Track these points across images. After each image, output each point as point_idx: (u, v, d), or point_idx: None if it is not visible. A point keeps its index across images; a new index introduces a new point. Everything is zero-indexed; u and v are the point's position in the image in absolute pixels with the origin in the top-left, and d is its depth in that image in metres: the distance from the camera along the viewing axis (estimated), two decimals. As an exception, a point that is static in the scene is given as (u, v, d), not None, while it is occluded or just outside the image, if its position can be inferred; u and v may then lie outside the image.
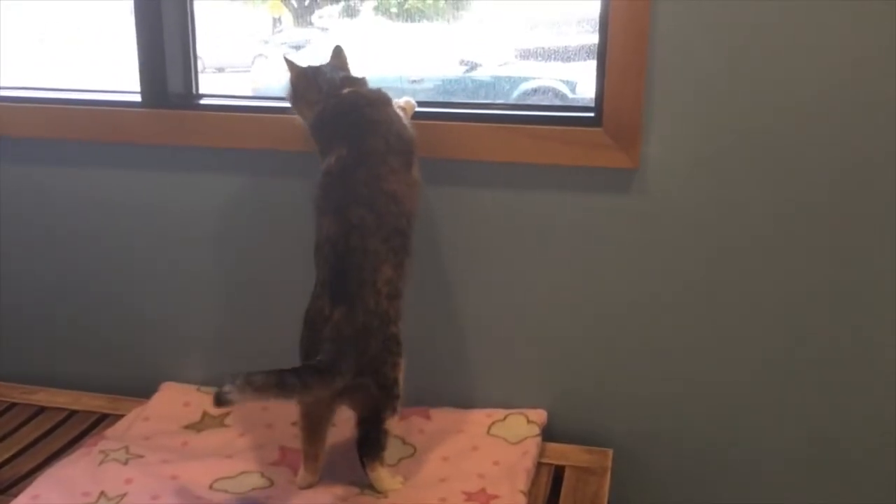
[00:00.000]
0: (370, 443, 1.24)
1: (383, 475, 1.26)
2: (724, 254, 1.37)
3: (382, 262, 1.21)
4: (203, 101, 1.59)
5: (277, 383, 1.10)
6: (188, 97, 1.59)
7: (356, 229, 1.20)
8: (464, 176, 1.42)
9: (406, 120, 1.33)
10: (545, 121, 1.40)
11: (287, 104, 1.38)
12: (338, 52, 1.40)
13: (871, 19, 1.23)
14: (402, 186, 1.25)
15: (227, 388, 1.05)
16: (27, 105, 1.59)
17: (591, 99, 1.39)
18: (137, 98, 1.55)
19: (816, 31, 1.25)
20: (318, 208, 1.25)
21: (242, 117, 1.50)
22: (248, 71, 3.29)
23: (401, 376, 1.24)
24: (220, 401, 1.06)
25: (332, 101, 1.31)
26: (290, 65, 1.37)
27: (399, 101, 1.36)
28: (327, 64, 1.38)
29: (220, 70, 3.14)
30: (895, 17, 1.21)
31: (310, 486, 1.28)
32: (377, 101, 1.31)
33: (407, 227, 1.25)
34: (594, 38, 1.37)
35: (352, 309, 1.18)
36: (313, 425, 1.27)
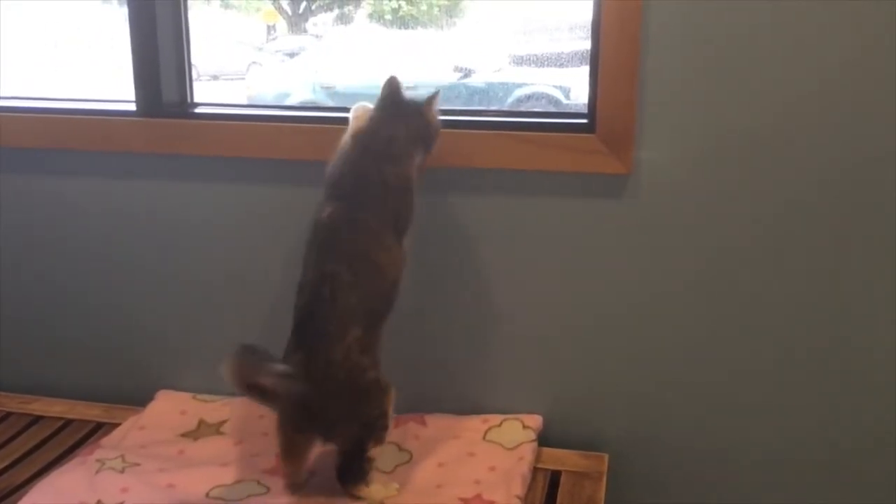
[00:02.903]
0: (352, 472, 1.22)
1: (373, 490, 1.24)
2: (718, 258, 1.38)
3: (353, 321, 1.18)
4: (198, 110, 1.59)
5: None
6: (183, 106, 1.59)
7: (330, 280, 1.18)
8: (458, 183, 1.43)
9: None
10: (538, 127, 1.41)
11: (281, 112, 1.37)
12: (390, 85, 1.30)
13: (865, 20, 1.23)
14: (390, 258, 1.23)
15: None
16: (21, 115, 1.59)
17: (585, 105, 1.39)
18: (132, 107, 1.55)
19: (809, 34, 1.26)
20: (306, 251, 1.24)
21: (237, 126, 1.50)
22: (243, 78, 3.30)
23: (389, 408, 1.22)
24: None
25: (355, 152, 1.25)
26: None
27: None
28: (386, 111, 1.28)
29: (215, 78, 3.15)
30: (891, 17, 1.22)
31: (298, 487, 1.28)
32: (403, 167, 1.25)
33: (390, 292, 1.23)
34: (587, 44, 1.37)
35: (310, 358, 1.17)
36: (297, 453, 1.25)
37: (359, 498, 1.24)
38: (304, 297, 1.21)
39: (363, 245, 1.21)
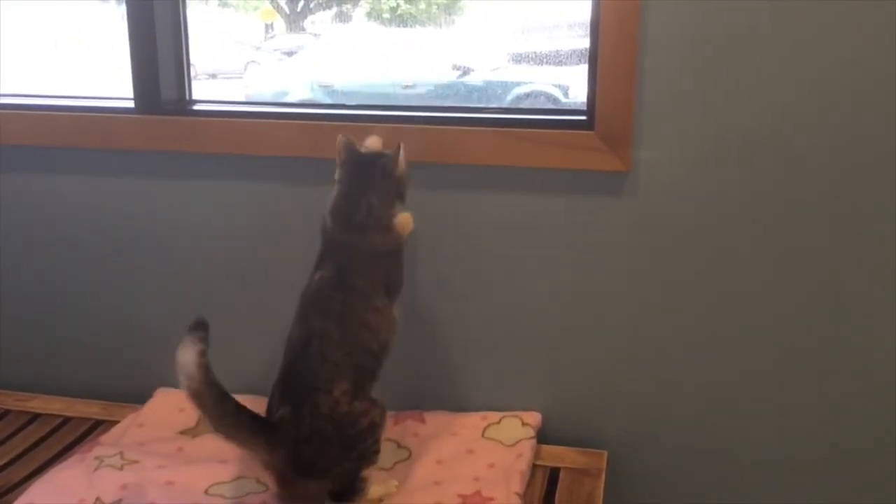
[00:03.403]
0: (346, 494, 1.20)
1: (372, 489, 1.24)
2: (717, 256, 1.38)
3: (341, 375, 1.17)
4: (196, 108, 1.59)
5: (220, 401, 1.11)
6: (181, 103, 1.59)
7: (317, 337, 1.18)
8: (456, 180, 1.43)
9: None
10: (537, 124, 1.41)
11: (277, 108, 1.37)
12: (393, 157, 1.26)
13: (865, 20, 1.23)
14: (380, 319, 1.22)
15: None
16: (20, 112, 1.59)
17: (583, 102, 1.39)
18: (131, 104, 1.55)
19: (808, 34, 1.26)
20: (296, 313, 1.23)
21: (236, 123, 1.50)
22: (241, 77, 3.30)
23: (381, 434, 1.21)
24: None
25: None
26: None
27: (398, 218, 1.27)
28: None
29: (213, 76, 3.14)
30: (891, 17, 1.22)
31: None
32: (388, 230, 1.25)
33: (379, 351, 1.22)
34: (586, 43, 1.37)
35: (297, 412, 1.16)
36: (289, 487, 1.22)
37: None
38: (290, 353, 1.21)
39: (353, 305, 1.21)
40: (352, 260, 1.23)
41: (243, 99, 3.15)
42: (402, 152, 1.25)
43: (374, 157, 1.27)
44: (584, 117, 1.38)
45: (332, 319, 1.19)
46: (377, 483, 1.25)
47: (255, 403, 1.24)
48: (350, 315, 1.20)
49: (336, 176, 1.26)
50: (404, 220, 1.28)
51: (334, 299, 1.20)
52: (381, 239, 1.24)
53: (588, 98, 1.38)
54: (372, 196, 1.24)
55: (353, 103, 1.52)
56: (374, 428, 1.20)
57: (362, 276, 1.22)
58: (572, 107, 1.54)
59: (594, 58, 1.34)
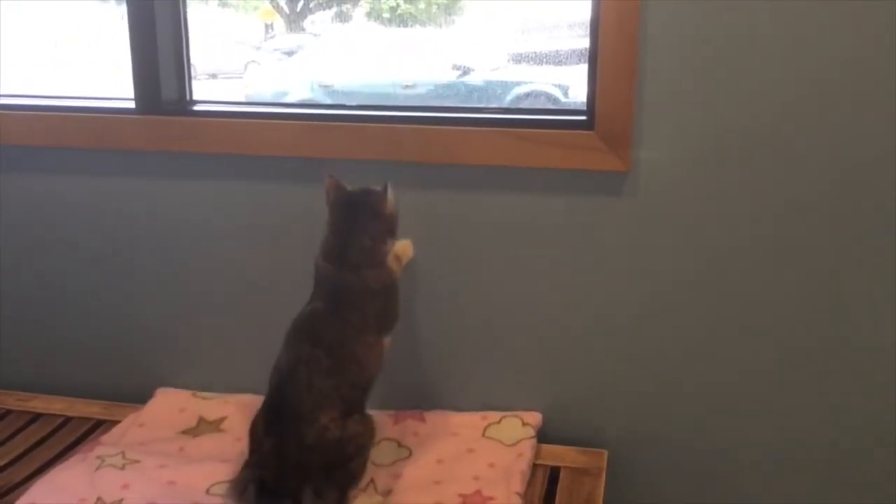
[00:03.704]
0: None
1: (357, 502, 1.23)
2: (717, 256, 1.38)
3: (328, 404, 1.17)
4: (197, 108, 1.59)
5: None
6: (182, 103, 1.59)
7: (305, 365, 1.18)
8: (456, 180, 1.43)
9: (398, 267, 1.30)
10: (537, 124, 1.41)
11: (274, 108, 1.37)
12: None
13: (865, 21, 1.23)
14: (370, 354, 1.23)
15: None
16: (20, 112, 1.60)
17: (583, 102, 1.40)
18: (131, 105, 1.55)
19: (808, 34, 1.26)
20: (285, 339, 1.23)
21: (236, 123, 1.50)
22: (241, 77, 3.30)
23: (368, 455, 1.22)
24: None
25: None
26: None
27: (396, 248, 1.29)
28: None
29: (213, 76, 3.14)
30: (891, 17, 1.22)
31: None
32: (381, 266, 1.26)
33: (365, 385, 1.23)
34: (586, 42, 1.37)
35: (283, 442, 1.16)
36: None
37: (363, 488, 1.25)
38: (276, 377, 1.21)
39: (344, 337, 1.21)
40: (346, 295, 1.24)
41: (243, 99, 3.15)
42: (390, 190, 1.27)
43: (363, 196, 1.28)
44: (583, 117, 1.38)
45: (323, 348, 1.19)
46: (363, 496, 1.24)
47: (255, 402, 1.25)
48: (341, 346, 1.20)
49: (327, 218, 1.28)
50: (403, 248, 1.31)
51: (326, 329, 1.21)
52: (374, 276, 1.25)
53: (588, 98, 1.38)
54: (363, 236, 1.25)
55: (353, 103, 1.53)
56: (362, 450, 1.20)
57: (356, 310, 1.23)
58: (572, 107, 1.54)
59: (594, 58, 1.34)
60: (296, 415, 1.16)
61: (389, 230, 1.29)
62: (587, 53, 1.37)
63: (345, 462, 1.18)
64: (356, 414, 1.21)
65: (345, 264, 1.24)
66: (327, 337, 1.20)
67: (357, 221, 1.27)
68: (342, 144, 1.44)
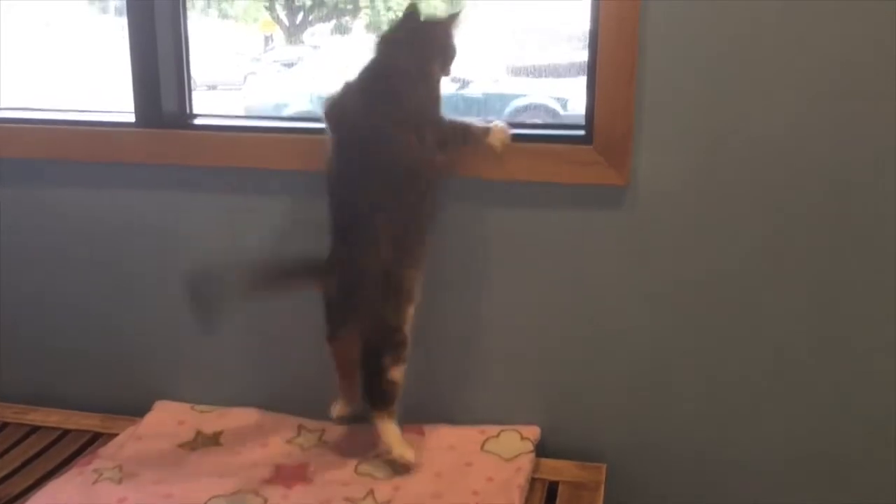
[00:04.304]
0: (375, 392, 1.31)
1: (391, 431, 1.33)
2: (715, 269, 1.38)
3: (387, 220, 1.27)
4: (197, 121, 1.60)
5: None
6: (182, 117, 1.59)
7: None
8: (455, 194, 1.43)
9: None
10: (536, 139, 1.41)
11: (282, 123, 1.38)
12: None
13: (866, 29, 1.24)
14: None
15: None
16: (21, 126, 1.60)
17: (582, 116, 1.40)
18: (131, 118, 1.56)
19: (807, 49, 1.27)
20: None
21: (237, 137, 1.51)
22: (240, 88, 3.31)
23: (405, 324, 1.31)
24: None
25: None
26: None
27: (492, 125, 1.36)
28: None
29: (213, 87, 3.15)
30: (890, 20, 1.23)
31: (342, 418, 1.40)
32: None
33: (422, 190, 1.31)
34: (584, 55, 1.38)
35: (348, 252, 1.27)
36: (342, 362, 1.36)
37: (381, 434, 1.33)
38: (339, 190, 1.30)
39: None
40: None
41: (243, 110, 3.16)
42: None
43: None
44: (582, 132, 1.39)
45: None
46: (407, 446, 1.34)
47: (253, 416, 1.24)
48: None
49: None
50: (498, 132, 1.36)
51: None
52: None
53: (586, 112, 1.38)
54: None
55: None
56: (398, 295, 1.29)
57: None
58: (571, 121, 1.55)
59: (592, 72, 1.35)
60: (358, 232, 1.29)
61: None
62: (586, 66, 1.37)
63: (381, 287, 1.28)
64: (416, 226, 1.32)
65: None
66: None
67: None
68: (341, 158, 1.44)
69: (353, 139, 1.30)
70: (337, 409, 1.41)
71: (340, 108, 1.32)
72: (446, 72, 1.36)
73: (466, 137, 1.35)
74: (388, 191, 1.27)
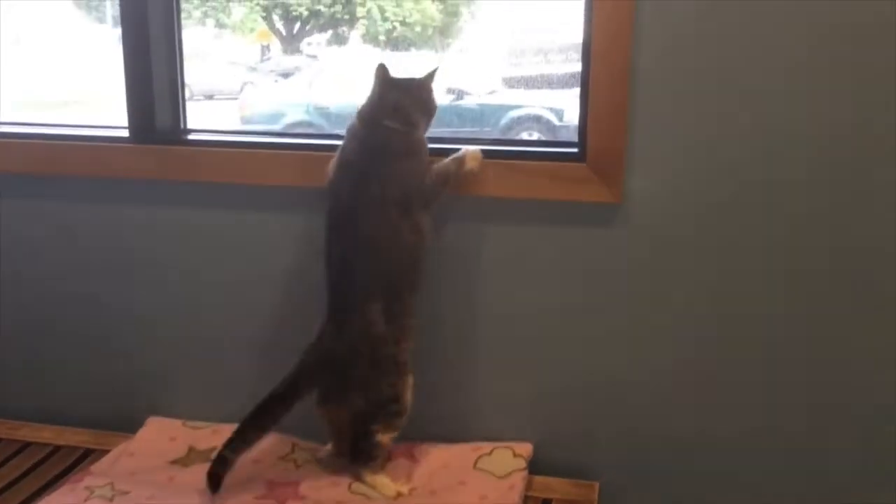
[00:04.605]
0: (359, 451, 1.35)
1: (378, 482, 1.35)
2: (708, 286, 1.38)
3: (373, 296, 1.29)
4: (191, 137, 1.59)
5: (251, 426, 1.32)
6: (176, 132, 1.59)
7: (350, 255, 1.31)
8: (448, 211, 1.43)
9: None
10: (529, 156, 1.42)
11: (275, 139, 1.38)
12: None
13: (863, 39, 1.24)
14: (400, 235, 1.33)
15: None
16: (15, 140, 1.60)
17: (575, 129, 1.40)
18: (125, 133, 1.56)
19: (799, 69, 1.27)
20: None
21: (231, 153, 1.51)
22: (237, 98, 3.31)
23: (405, 395, 1.34)
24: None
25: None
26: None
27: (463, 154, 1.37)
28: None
29: (209, 97, 3.15)
30: (889, 23, 1.23)
31: (324, 461, 1.43)
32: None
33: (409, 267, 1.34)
34: (579, 67, 1.38)
35: (339, 328, 1.31)
36: (334, 426, 1.40)
37: (367, 484, 1.36)
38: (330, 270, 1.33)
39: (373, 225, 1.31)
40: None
41: (239, 120, 3.16)
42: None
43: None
44: (575, 149, 1.39)
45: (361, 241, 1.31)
46: (396, 482, 1.36)
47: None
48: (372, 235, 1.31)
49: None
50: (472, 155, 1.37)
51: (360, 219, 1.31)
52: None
53: (579, 129, 1.39)
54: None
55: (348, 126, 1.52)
56: (395, 374, 1.33)
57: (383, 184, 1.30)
58: (566, 132, 1.55)
59: (585, 90, 1.35)
60: (348, 305, 1.32)
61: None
62: (579, 78, 1.37)
63: (373, 368, 1.32)
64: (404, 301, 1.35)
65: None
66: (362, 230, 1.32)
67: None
68: (335, 174, 1.44)
69: (343, 222, 1.32)
70: (324, 453, 1.45)
71: (335, 190, 1.34)
72: (428, 127, 1.37)
73: (447, 181, 1.35)
74: (377, 273, 1.31)
